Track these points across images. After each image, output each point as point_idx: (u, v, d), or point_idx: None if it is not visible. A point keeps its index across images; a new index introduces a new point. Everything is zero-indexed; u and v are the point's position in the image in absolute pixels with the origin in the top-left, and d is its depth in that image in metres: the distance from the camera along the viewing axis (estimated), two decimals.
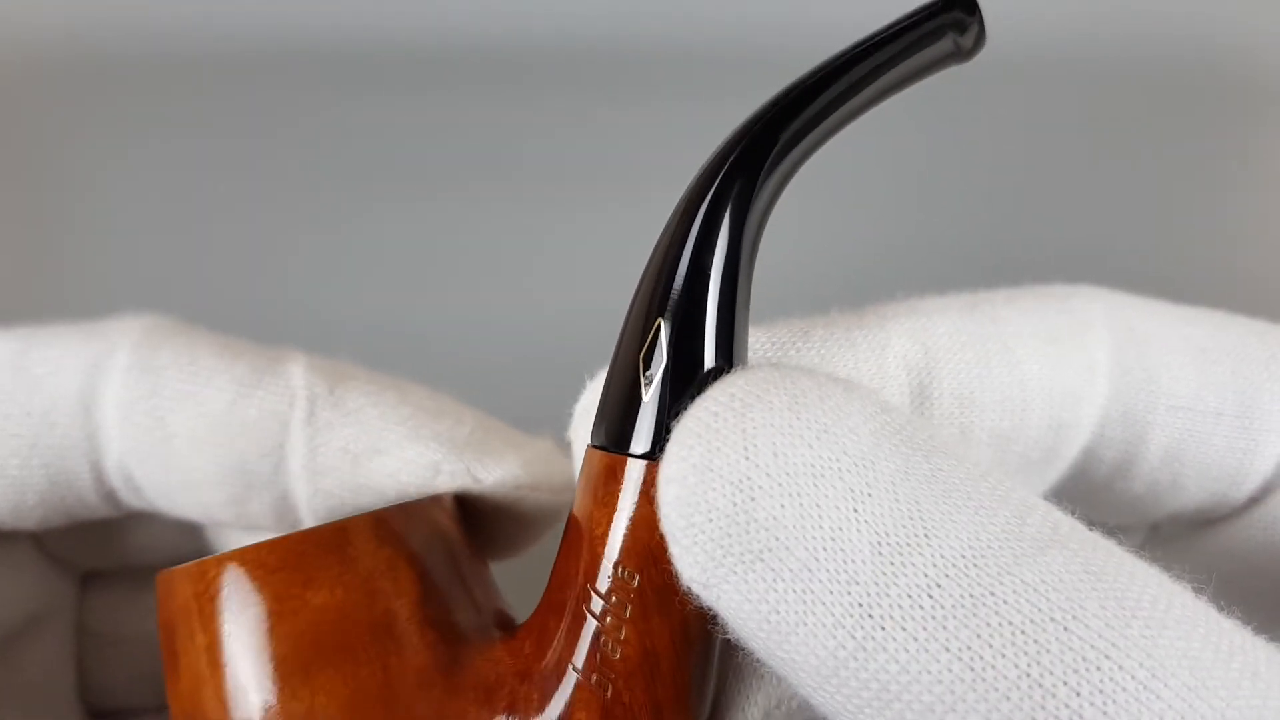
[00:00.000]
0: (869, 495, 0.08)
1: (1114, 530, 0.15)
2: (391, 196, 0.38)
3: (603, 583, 0.10)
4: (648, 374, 0.10)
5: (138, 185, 0.32)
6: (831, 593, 0.08)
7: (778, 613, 0.09)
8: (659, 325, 0.10)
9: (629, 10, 0.47)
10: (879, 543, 0.08)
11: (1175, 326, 0.13)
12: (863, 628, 0.08)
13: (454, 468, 0.14)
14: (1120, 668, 0.08)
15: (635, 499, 0.10)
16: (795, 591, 0.08)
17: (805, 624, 0.08)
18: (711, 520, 0.09)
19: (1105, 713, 0.08)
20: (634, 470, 0.10)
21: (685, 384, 0.10)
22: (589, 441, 0.12)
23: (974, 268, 0.36)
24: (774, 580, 0.08)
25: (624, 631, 0.10)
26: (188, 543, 0.19)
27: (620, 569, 0.10)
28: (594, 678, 0.10)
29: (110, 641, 0.18)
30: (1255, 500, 0.13)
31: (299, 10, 0.47)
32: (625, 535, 0.10)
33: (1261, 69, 0.47)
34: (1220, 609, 0.09)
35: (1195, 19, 0.47)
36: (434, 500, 0.14)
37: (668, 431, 0.10)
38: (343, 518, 0.14)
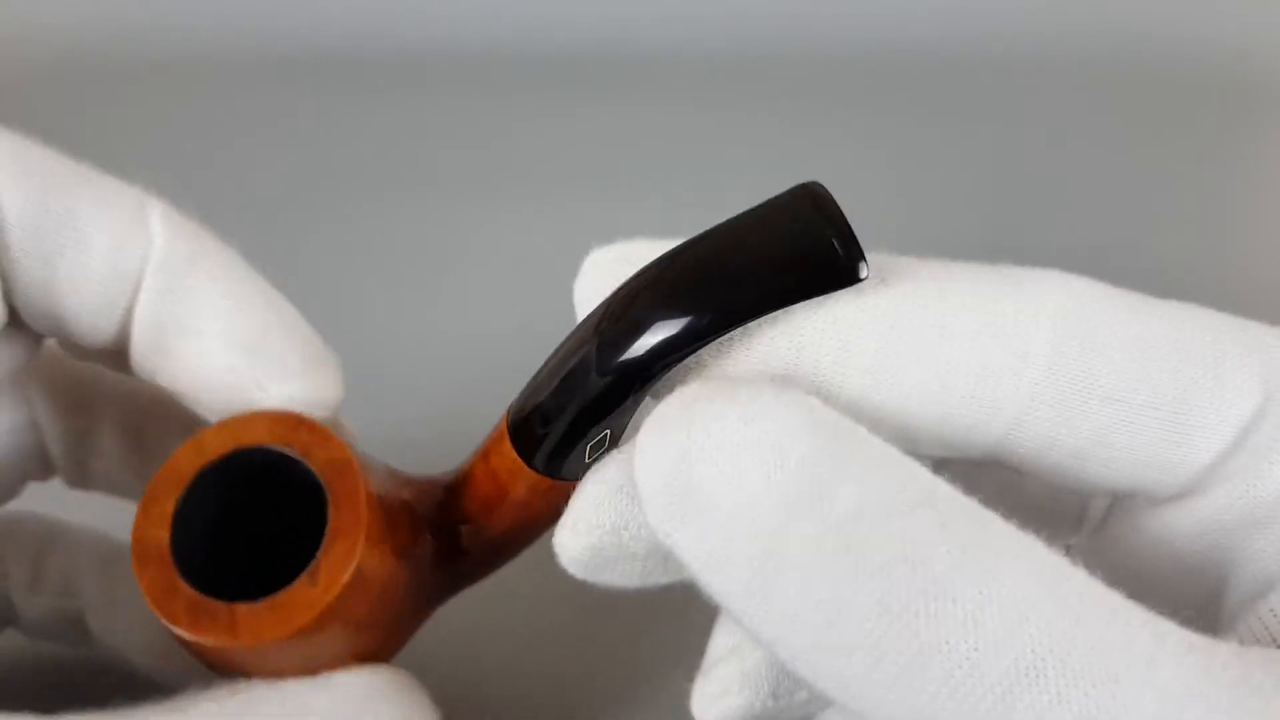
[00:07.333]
0: (780, 467, 0.11)
1: (1060, 515, 0.15)
2: (389, 197, 0.38)
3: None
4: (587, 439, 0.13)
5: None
6: (747, 541, 0.11)
7: (710, 554, 0.11)
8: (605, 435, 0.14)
9: (631, 15, 0.47)
10: (783, 504, 0.11)
11: (1129, 321, 0.13)
12: (767, 567, 0.11)
13: (244, 374, 0.15)
14: (954, 600, 0.10)
15: (486, 461, 0.15)
16: (720, 539, 0.11)
17: (729, 562, 0.11)
18: (663, 482, 0.11)
19: (938, 632, 0.10)
20: (507, 448, 0.14)
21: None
22: (507, 410, 0.14)
23: None
24: (706, 529, 0.11)
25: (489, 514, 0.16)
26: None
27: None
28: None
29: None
30: (1188, 492, 0.13)
31: (291, 14, 0.47)
32: (481, 473, 0.15)
33: (1261, 69, 0.47)
34: (1133, 596, 0.10)
35: (1195, 19, 0.47)
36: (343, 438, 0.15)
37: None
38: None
